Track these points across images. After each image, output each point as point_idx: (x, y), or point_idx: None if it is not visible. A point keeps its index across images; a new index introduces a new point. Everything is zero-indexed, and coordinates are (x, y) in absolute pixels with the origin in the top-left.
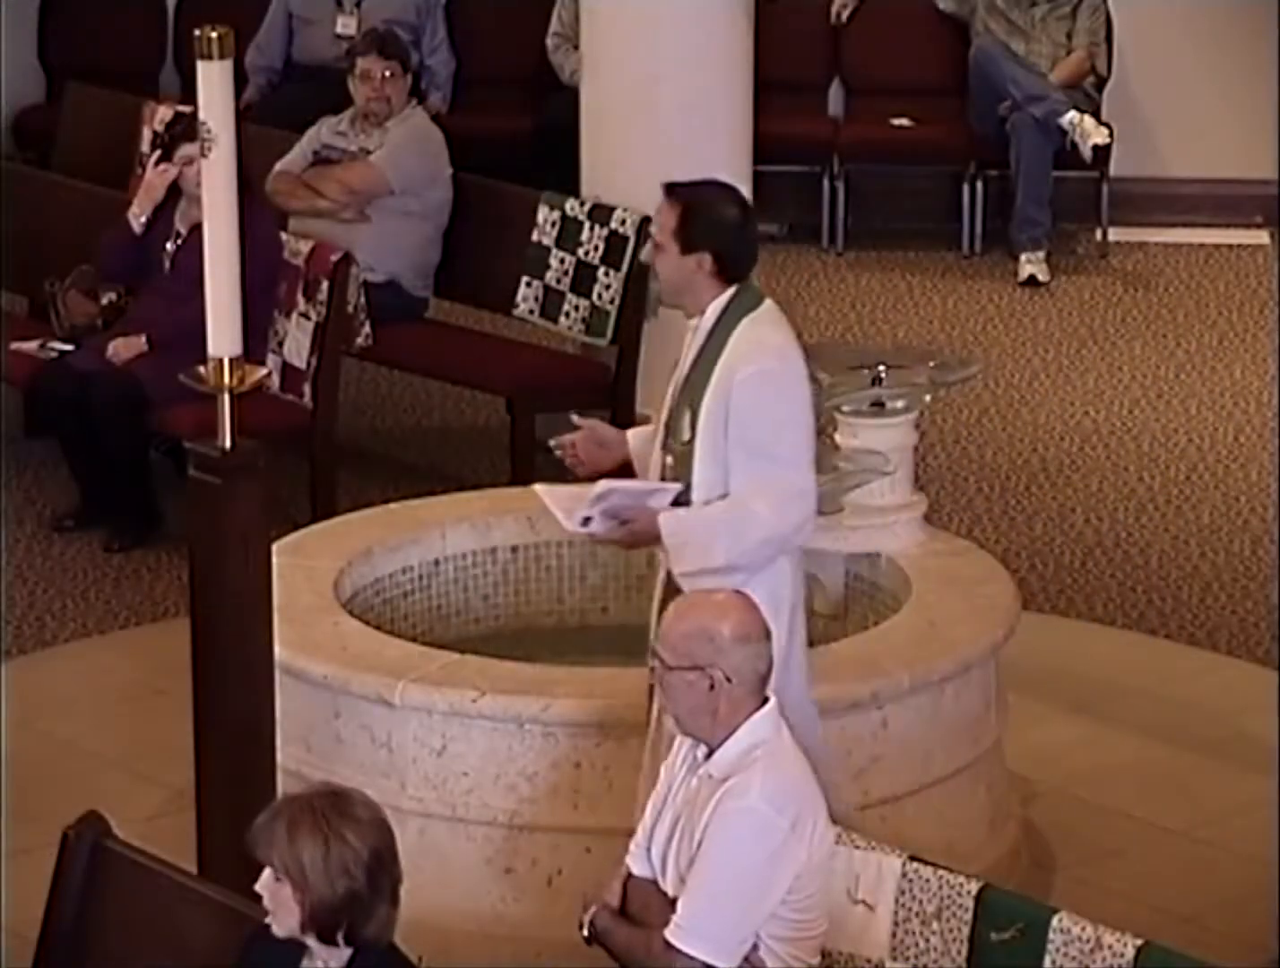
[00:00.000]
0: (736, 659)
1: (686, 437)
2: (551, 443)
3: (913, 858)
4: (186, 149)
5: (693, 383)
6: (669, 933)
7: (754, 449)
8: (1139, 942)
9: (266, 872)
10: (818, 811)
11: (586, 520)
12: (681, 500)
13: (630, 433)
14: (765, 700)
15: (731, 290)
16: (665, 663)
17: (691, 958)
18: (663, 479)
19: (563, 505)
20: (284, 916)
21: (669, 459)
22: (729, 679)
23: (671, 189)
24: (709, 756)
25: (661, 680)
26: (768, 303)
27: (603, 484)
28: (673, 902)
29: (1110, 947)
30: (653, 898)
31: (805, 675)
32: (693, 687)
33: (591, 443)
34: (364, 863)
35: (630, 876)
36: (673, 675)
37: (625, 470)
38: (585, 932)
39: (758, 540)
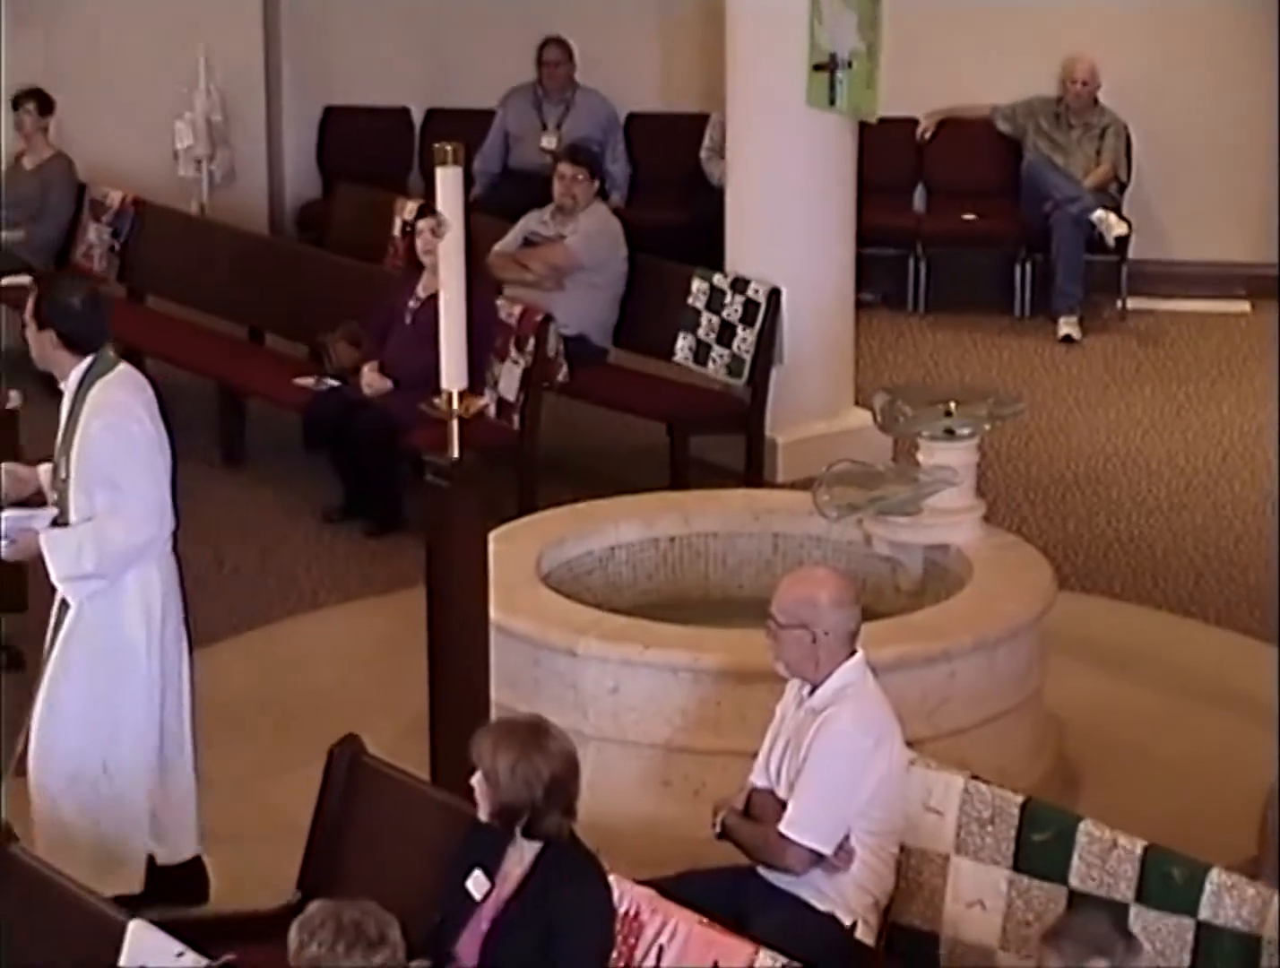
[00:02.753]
0: (833, 619)
1: (64, 475)
2: None
3: (973, 777)
4: (422, 222)
5: (67, 435)
6: (782, 827)
7: (105, 482)
8: (1145, 843)
9: (478, 771)
10: (894, 735)
11: None
12: (63, 523)
13: (41, 469)
14: (854, 652)
15: (88, 360)
16: (778, 622)
17: (799, 845)
18: (56, 507)
19: None
20: (483, 805)
21: (55, 495)
22: (826, 634)
23: (35, 278)
24: (812, 692)
25: (775, 636)
26: (121, 367)
27: None
28: (784, 805)
29: (1123, 847)
30: (770, 803)
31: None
32: (799, 641)
33: (13, 478)
34: (543, 782)
35: (754, 787)
36: (784, 632)
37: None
38: (716, 829)
39: (113, 553)
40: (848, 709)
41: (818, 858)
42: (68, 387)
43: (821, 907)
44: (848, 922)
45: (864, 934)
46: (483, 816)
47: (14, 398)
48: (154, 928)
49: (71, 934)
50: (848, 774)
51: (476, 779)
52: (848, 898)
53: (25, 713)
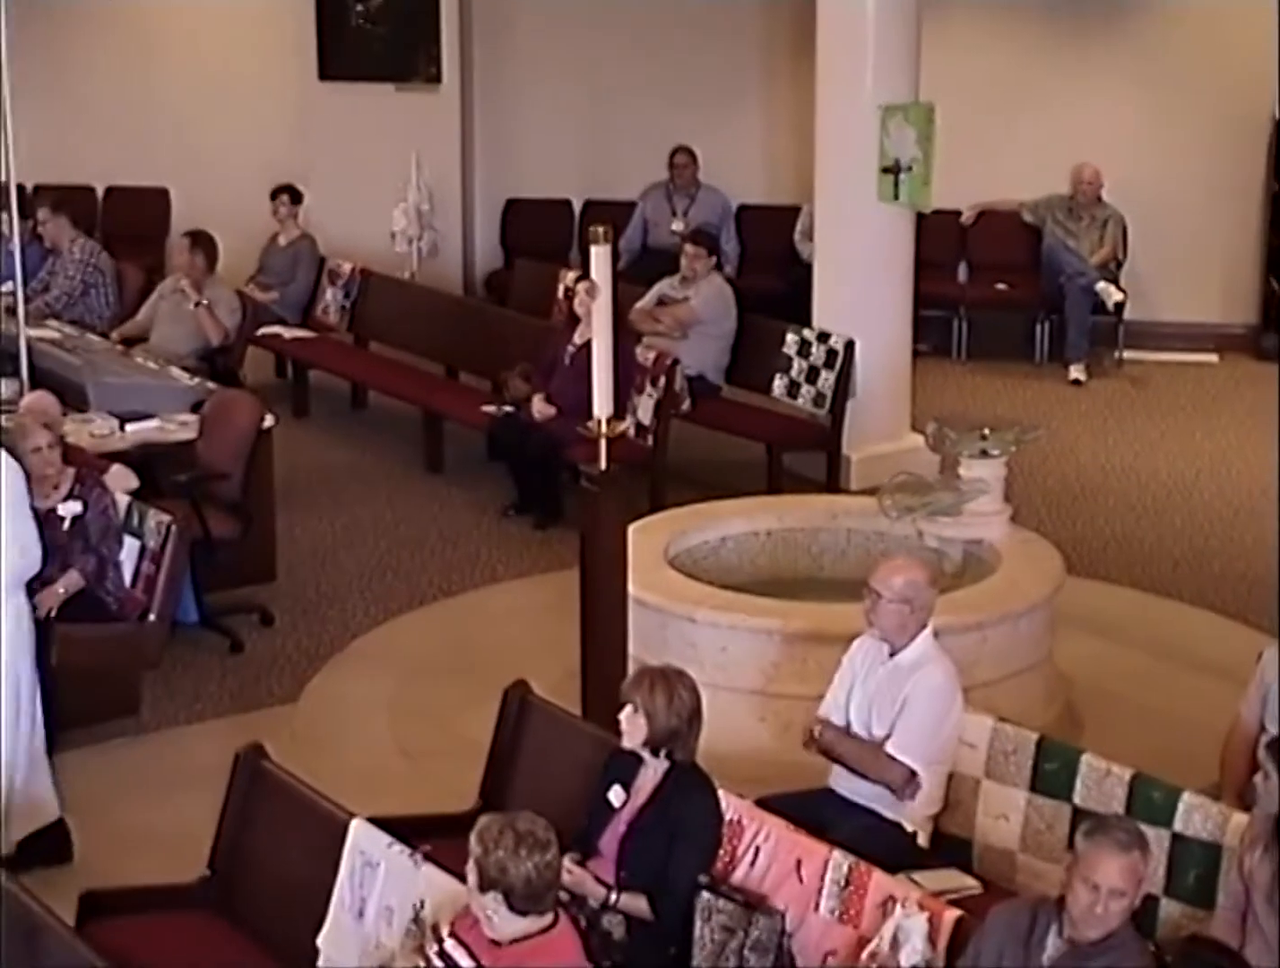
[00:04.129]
0: (925, 596)
1: None
2: None
3: (1000, 719)
4: (580, 287)
5: None
6: (890, 747)
7: None
8: (1133, 771)
9: (627, 708)
10: (959, 686)
11: None
12: None
13: None
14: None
15: None
16: (884, 597)
17: (902, 763)
18: None
19: None
20: (635, 735)
21: None
22: (921, 608)
23: None
24: (892, 655)
25: (877, 608)
26: None
27: None
28: (877, 741)
29: (1115, 774)
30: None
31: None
32: (899, 612)
33: None
34: (688, 712)
35: (830, 724)
36: (890, 605)
37: None
38: (816, 733)
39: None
40: (939, 668)
41: (912, 776)
42: None
43: (889, 817)
44: (910, 830)
45: (922, 840)
46: (632, 745)
47: (269, 419)
48: (370, 825)
49: (308, 829)
50: (943, 715)
51: (626, 715)
52: (913, 811)
53: (272, 664)
